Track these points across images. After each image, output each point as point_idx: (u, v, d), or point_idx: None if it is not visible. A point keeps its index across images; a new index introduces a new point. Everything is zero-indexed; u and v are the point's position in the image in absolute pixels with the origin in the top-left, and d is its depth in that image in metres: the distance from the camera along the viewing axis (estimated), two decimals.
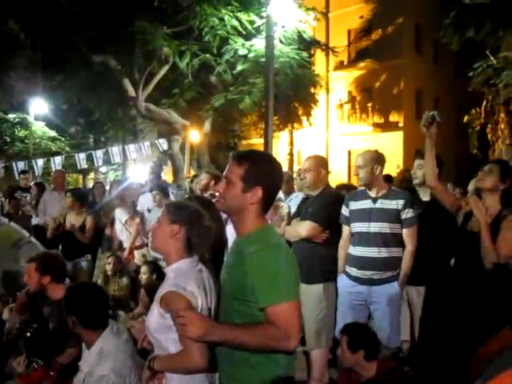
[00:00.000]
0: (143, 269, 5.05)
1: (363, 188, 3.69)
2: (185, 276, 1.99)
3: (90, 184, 19.16)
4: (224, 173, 1.97)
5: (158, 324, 2.02)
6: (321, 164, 3.78)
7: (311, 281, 3.53)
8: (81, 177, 19.23)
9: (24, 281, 4.97)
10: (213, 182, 5.00)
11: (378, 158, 3.64)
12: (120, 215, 6.15)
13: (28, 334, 3.43)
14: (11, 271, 5.41)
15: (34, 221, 6.76)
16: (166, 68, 11.87)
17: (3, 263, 5.43)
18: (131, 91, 12.14)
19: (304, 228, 3.59)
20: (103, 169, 19.80)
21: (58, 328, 3.41)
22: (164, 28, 11.32)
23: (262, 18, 10.57)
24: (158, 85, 12.48)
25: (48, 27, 11.65)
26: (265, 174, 1.92)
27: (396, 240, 3.52)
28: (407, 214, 3.50)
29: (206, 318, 1.92)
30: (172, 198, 6.72)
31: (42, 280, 3.50)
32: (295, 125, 15.67)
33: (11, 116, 15.38)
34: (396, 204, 3.51)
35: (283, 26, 11.02)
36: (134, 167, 15.22)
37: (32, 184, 7.50)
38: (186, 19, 11.49)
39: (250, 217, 1.94)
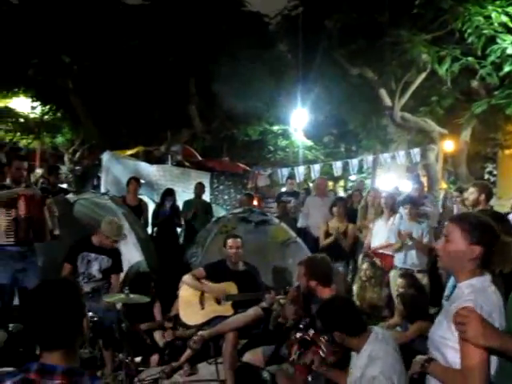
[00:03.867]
0: (399, 282, 5.00)
1: None
2: (481, 294, 1.90)
3: (339, 191, 19.92)
4: None
5: (444, 338, 1.98)
6: None
7: None
8: (331, 183, 20.11)
9: (290, 277, 5.46)
10: (483, 196, 4.66)
11: None
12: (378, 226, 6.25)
13: (301, 327, 3.77)
14: (280, 267, 6.05)
15: (298, 224, 7.38)
16: (423, 75, 11.55)
17: (274, 259, 6.11)
18: (387, 101, 12.20)
19: None
20: (353, 177, 20.37)
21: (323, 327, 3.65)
22: (422, 34, 11.04)
23: None
24: (413, 93, 12.24)
25: (309, 45, 12.65)
26: None
27: None
28: None
29: (489, 324, 1.80)
30: (430, 209, 6.51)
31: (309, 283, 3.79)
32: None
33: (275, 128, 17.24)
34: None
35: None
36: (384, 176, 15.23)
37: (301, 190, 8.23)
38: (446, 22, 10.99)
39: None
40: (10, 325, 5.11)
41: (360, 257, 6.20)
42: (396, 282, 5.80)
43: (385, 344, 2.79)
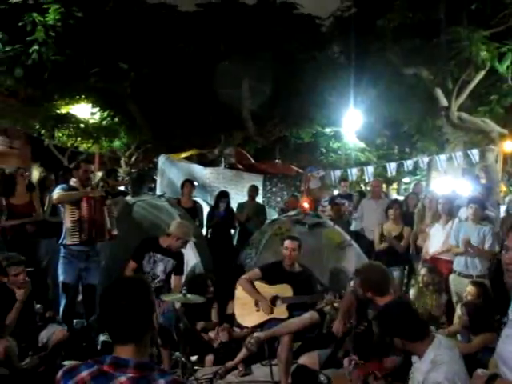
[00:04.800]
0: (470, 289, 4.84)
1: None
2: None
3: (392, 194, 19.48)
4: None
5: None
6: None
7: None
8: (384, 186, 19.79)
9: (345, 280, 5.39)
10: None
11: None
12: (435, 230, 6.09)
13: (357, 331, 3.72)
14: (335, 270, 6.00)
15: (352, 227, 7.30)
16: (482, 74, 11.14)
17: (328, 262, 6.07)
18: (443, 101, 11.84)
19: None
20: (406, 179, 19.88)
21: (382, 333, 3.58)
22: (481, 31, 10.65)
23: None
24: (471, 92, 11.82)
25: (362, 45, 12.48)
26: None
27: None
28: None
29: None
30: (492, 213, 6.28)
31: (366, 294, 3.66)
32: None
33: (327, 130, 17.10)
34: None
35: None
36: (439, 178, 14.76)
37: (354, 192, 8.14)
38: (507, 17, 10.56)
39: None
40: (74, 320, 5.36)
41: (420, 263, 6.05)
42: (455, 286, 5.65)
43: (449, 350, 2.72)
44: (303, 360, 4.14)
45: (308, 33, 11.72)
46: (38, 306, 4.73)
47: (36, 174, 14.28)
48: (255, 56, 10.90)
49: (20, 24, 8.77)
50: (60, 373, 1.73)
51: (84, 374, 1.66)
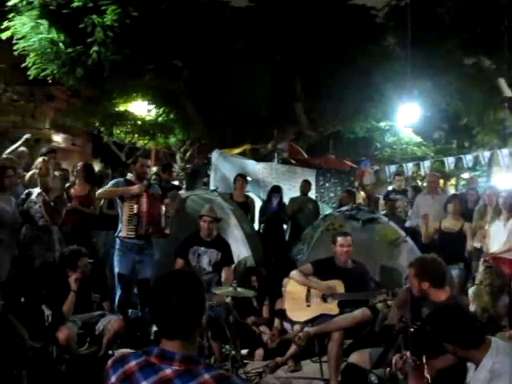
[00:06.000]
0: None
1: None
2: None
3: (450, 189, 18.79)
4: None
5: None
6: None
7: None
8: (442, 181, 19.14)
9: (399, 277, 5.25)
10: None
11: None
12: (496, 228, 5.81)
13: (411, 330, 3.59)
14: (388, 267, 5.86)
15: (408, 223, 7.08)
16: None
17: (382, 259, 5.93)
18: (507, 91, 11.28)
19: None
20: (465, 175, 19.14)
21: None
22: None
23: None
24: None
25: (418, 36, 12.03)
26: None
27: None
28: None
29: None
30: None
31: (421, 285, 3.53)
32: None
33: (382, 124, 16.70)
34: None
35: None
36: (501, 174, 14.09)
37: (409, 187, 7.91)
38: None
39: None
40: (129, 310, 5.53)
41: (480, 261, 5.79)
42: None
43: (508, 357, 2.54)
44: (354, 358, 4.06)
45: (362, 24, 11.44)
46: (96, 295, 4.90)
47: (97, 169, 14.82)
48: (308, 50, 10.78)
49: (80, 26, 9.09)
50: (110, 361, 1.76)
51: (132, 363, 1.68)
